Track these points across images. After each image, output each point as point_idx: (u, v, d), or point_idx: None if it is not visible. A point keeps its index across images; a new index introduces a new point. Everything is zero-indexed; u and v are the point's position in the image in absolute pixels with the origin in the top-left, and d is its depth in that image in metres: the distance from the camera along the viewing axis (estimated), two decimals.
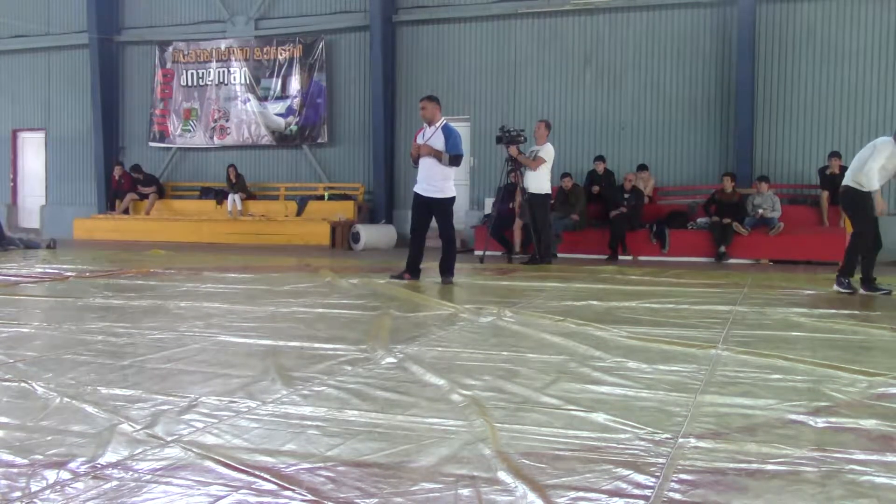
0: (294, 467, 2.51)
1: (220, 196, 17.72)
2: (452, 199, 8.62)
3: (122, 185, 18.52)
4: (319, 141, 17.45)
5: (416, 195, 8.53)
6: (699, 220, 13.32)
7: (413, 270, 8.60)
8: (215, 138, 18.34)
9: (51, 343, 4.75)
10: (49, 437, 2.80)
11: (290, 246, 15.50)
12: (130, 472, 2.45)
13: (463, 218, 15.69)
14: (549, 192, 11.55)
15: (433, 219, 8.62)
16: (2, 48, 20.18)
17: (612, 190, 13.95)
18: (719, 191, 13.15)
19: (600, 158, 14.47)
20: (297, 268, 10.32)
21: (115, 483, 2.36)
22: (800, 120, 14.19)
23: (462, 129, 16.37)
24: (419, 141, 8.47)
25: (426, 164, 8.37)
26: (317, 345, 4.68)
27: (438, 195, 8.44)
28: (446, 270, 8.53)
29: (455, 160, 8.33)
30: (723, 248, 12.66)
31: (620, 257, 13.04)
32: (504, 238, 12.81)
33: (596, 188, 14.23)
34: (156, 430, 2.90)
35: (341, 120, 17.41)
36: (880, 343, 4.97)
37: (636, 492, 2.32)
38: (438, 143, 8.30)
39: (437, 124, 8.41)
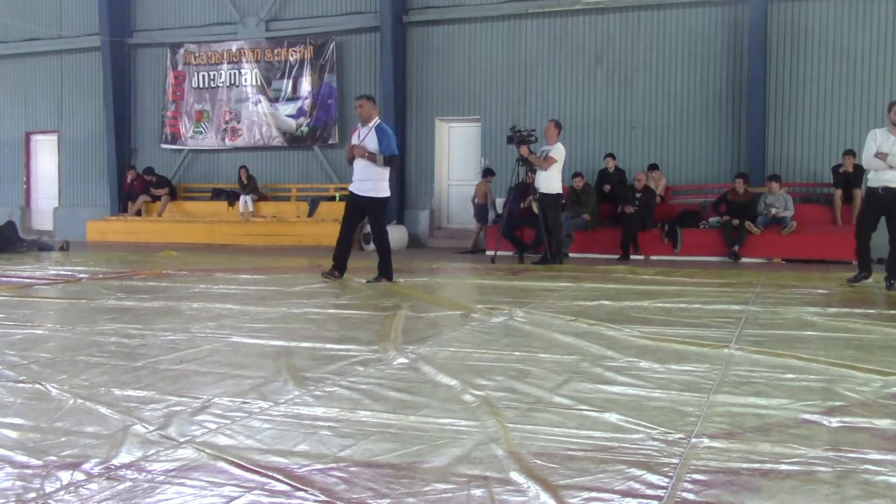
0: (307, 468, 2.52)
1: (231, 197, 17.77)
2: (386, 200, 8.63)
3: (135, 187, 18.60)
4: (330, 142, 17.47)
5: (351, 194, 8.58)
6: (711, 219, 13.27)
7: (341, 268, 8.64)
8: (227, 140, 18.40)
9: (64, 344, 4.77)
10: (63, 439, 2.82)
11: (301, 247, 15.52)
12: (144, 473, 2.46)
13: (474, 218, 15.70)
14: (561, 191, 11.53)
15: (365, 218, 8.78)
16: (14, 51, 20.29)
17: (623, 189, 13.92)
18: (731, 191, 13.10)
19: (610, 155, 14.45)
20: (308, 269, 10.34)
21: (128, 484, 2.37)
22: (812, 118, 14.12)
23: (473, 129, 16.46)
24: (354, 141, 8.50)
25: (361, 163, 8.40)
26: (329, 345, 4.68)
27: (371, 194, 8.45)
28: (385, 272, 8.54)
29: (390, 161, 8.37)
30: (735, 248, 12.61)
31: (632, 257, 13.01)
32: (516, 238, 12.80)
33: (607, 186, 14.20)
34: (169, 431, 2.91)
35: (352, 121, 17.37)
36: (894, 342, 4.94)
37: (649, 492, 2.31)
38: (372, 143, 8.32)
39: (371, 124, 8.45)
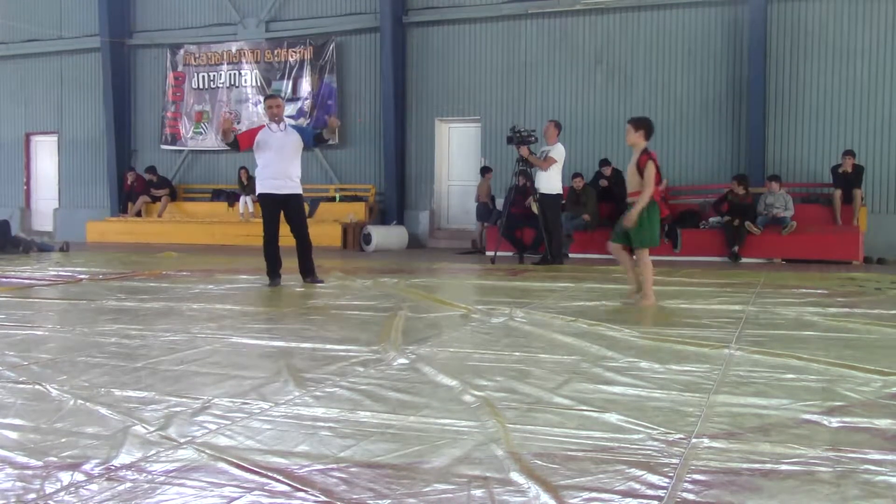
0: (307, 468, 2.51)
1: (231, 198, 17.78)
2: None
3: (135, 188, 18.61)
4: (330, 143, 17.42)
5: (271, 195, 8.23)
6: (712, 219, 13.27)
7: (278, 275, 8.40)
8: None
9: (64, 345, 4.77)
10: (63, 439, 2.82)
11: None
12: (144, 474, 2.46)
13: (474, 218, 15.70)
14: (560, 192, 11.53)
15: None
16: (15, 52, 20.30)
17: (622, 188, 13.89)
18: (731, 191, 13.10)
19: (605, 162, 14.37)
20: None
21: (128, 485, 2.37)
22: (812, 118, 14.12)
23: (473, 129, 16.48)
24: (262, 137, 8.24)
25: (284, 158, 8.21)
26: (329, 346, 4.68)
27: (297, 190, 8.40)
28: (309, 271, 8.46)
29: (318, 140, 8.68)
30: (735, 248, 12.61)
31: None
32: (516, 238, 12.80)
33: (604, 181, 14.14)
34: (169, 431, 2.90)
35: (352, 121, 17.42)
36: (894, 342, 4.93)
37: (649, 492, 2.31)
38: (294, 138, 8.36)
39: (284, 123, 8.49)
